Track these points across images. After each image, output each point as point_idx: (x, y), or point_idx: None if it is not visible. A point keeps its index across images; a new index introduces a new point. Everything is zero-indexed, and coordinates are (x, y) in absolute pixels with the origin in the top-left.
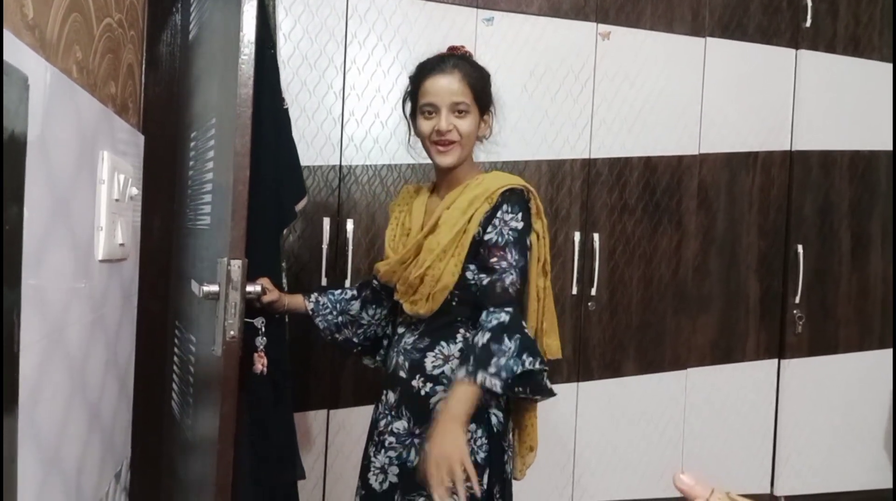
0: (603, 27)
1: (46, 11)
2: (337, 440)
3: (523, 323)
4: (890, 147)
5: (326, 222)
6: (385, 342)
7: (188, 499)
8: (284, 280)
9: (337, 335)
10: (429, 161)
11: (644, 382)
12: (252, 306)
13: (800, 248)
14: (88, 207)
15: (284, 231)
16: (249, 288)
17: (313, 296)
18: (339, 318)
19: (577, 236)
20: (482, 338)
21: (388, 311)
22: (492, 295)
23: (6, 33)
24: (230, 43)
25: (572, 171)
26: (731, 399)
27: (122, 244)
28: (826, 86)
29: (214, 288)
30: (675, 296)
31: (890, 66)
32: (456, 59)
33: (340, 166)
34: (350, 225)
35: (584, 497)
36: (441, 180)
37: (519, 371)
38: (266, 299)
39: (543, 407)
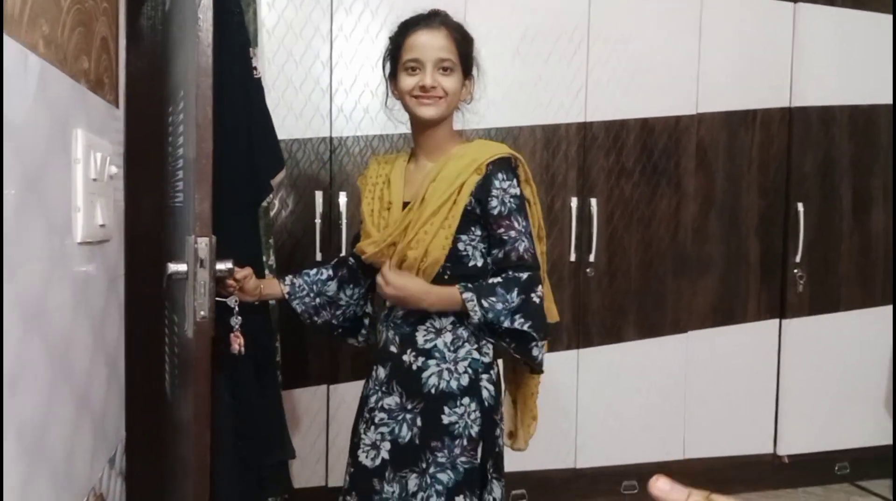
0: None
1: None
2: (338, 415)
3: (538, 288)
4: (890, 101)
5: (319, 195)
6: (366, 322)
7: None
8: (272, 258)
9: (316, 318)
10: None
11: (645, 347)
12: (227, 288)
13: (800, 206)
14: (64, 188)
15: (273, 207)
16: (219, 266)
17: (288, 278)
18: (317, 300)
19: (573, 201)
20: (496, 279)
21: (366, 289)
22: (508, 263)
23: None
24: (189, 10)
25: (567, 135)
26: (732, 361)
27: (102, 225)
28: (825, 40)
29: (183, 267)
30: (675, 259)
31: (891, 17)
32: (443, 17)
33: (331, 138)
34: (343, 198)
35: (586, 463)
36: (420, 145)
37: (506, 327)
38: (240, 278)
39: (544, 373)
